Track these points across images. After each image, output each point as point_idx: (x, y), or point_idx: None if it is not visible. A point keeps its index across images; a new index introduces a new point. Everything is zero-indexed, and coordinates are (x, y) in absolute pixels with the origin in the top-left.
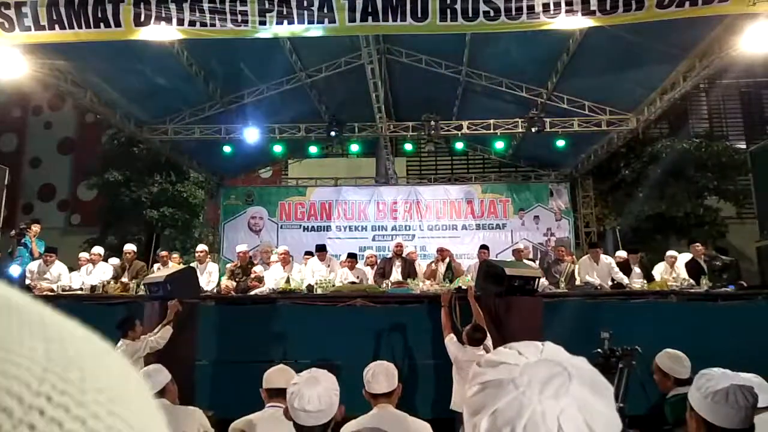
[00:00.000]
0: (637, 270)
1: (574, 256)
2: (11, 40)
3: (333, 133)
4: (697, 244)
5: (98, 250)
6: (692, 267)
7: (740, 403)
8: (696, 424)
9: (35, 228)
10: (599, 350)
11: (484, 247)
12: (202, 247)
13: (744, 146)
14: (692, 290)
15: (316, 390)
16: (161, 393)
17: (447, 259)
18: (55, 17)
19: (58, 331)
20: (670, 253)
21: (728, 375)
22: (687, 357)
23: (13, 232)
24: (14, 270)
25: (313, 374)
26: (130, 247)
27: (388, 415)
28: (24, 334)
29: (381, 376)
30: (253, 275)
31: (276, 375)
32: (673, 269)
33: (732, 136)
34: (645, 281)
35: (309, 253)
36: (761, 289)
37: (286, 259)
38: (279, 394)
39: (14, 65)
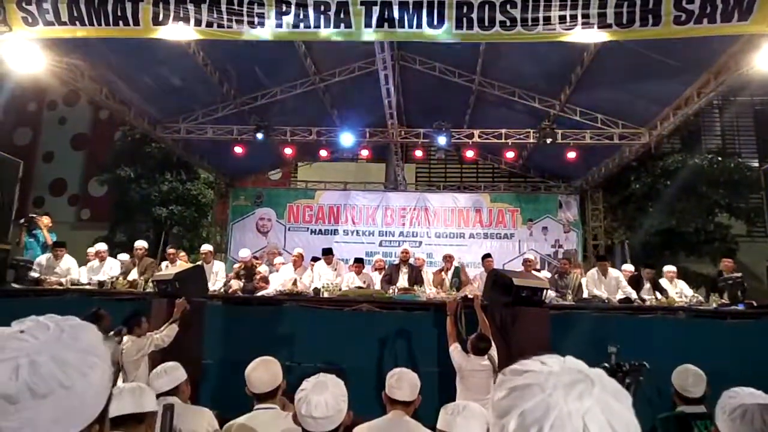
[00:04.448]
0: (647, 286)
1: (582, 269)
2: (35, 34)
3: (343, 138)
4: (729, 260)
5: (103, 246)
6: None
7: (756, 424)
8: None
9: (46, 220)
10: (606, 364)
11: (488, 256)
12: (206, 247)
13: (756, 164)
14: (701, 307)
15: (323, 396)
16: (174, 391)
17: (453, 267)
18: (75, 14)
19: None
20: (667, 268)
21: (754, 395)
22: (700, 377)
23: (22, 220)
24: None
25: (321, 380)
26: (141, 244)
27: (403, 423)
28: None
29: (406, 384)
30: (258, 276)
31: (257, 377)
32: (672, 284)
33: (745, 153)
34: (655, 297)
35: (315, 259)
36: None
37: (299, 262)
38: (268, 396)
39: (32, 60)
